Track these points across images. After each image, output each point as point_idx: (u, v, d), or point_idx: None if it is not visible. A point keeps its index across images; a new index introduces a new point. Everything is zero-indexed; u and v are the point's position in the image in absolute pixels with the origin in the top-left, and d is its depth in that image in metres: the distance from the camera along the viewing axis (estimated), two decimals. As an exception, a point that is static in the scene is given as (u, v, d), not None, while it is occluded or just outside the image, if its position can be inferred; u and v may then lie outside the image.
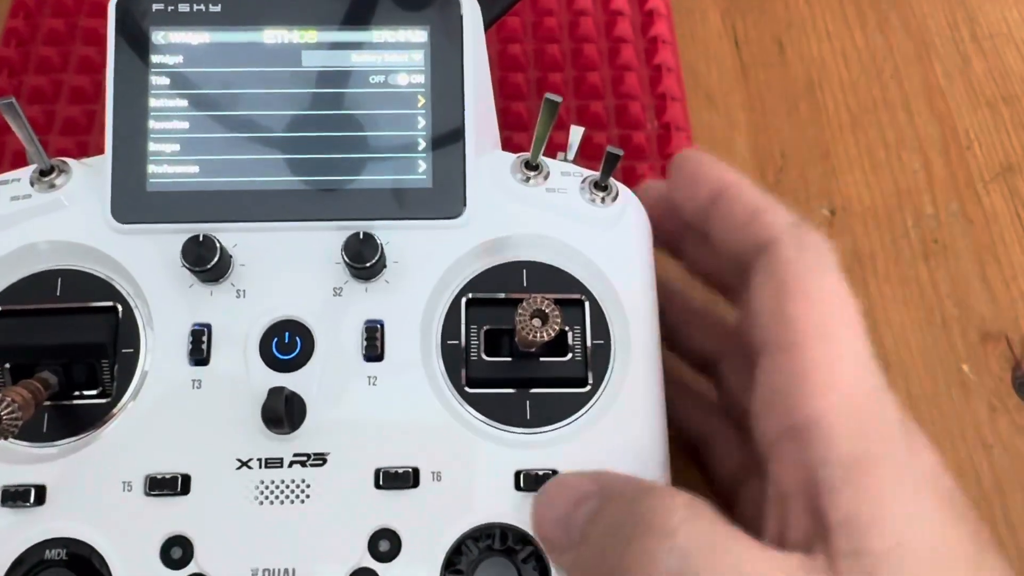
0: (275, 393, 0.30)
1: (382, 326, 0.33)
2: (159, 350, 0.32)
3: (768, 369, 0.29)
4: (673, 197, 0.35)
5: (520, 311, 0.30)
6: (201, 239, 0.32)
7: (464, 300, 0.34)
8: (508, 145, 0.37)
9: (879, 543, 0.25)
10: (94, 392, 0.32)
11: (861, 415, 0.27)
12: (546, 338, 0.30)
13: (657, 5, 0.53)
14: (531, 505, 0.31)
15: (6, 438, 0.29)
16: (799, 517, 0.27)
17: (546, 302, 0.30)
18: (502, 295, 0.34)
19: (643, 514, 0.26)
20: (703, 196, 0.34)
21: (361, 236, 0.32)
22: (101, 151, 0.34)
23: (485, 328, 0.34)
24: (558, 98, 0.32)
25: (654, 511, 0.26)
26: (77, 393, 0.33)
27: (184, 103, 0.34)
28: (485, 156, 0.35)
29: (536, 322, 0.30)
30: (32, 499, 0.30)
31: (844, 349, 0.28)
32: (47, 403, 0.32)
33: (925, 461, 0.27)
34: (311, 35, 0.35)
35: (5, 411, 0.28)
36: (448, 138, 0.34)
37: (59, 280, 0.33)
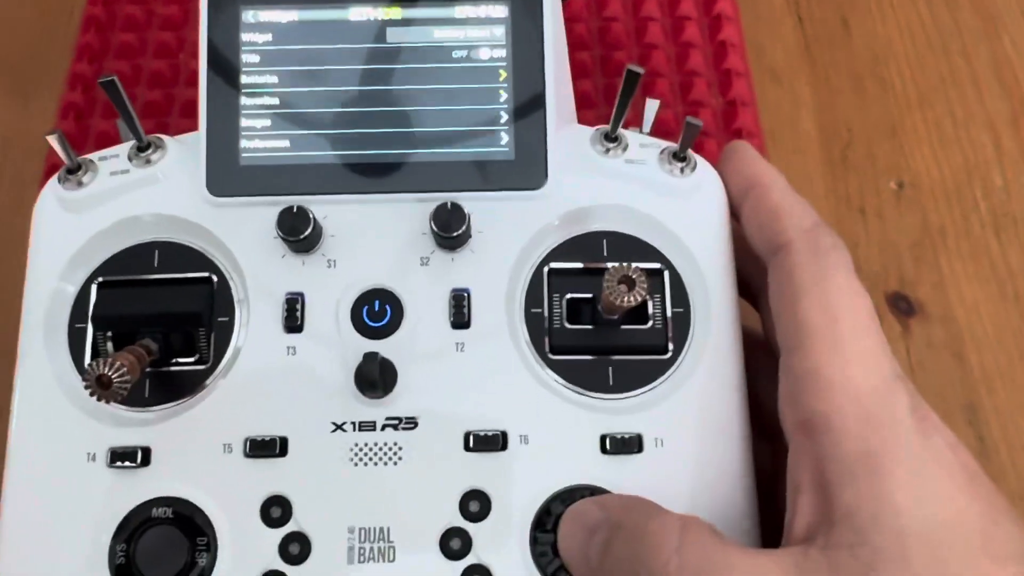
0: (370, 358, 0.31)
1: (469, 294, 0.34)
2: (254, 318, 0.34)
3: (784, 368, 0.31)
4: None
5: (608, 276, 0.31)
6: (295, 210, 0.33)
7: (546, 269, 0.35)
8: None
9: (879, 537, 0.26)
10: (192, 359, 0.34)
11: (868, 411, 0.28)
12: (633, 303, 0.31)
13: (721, -18, 0.53)
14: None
15: (117, 400, 0.30)
16: (807, 509, 0.28)
17: (633, 268, 0.31)
18: (583, 265, 0.35)
19: (645, 541, 0.28)
20: (736, 190, 0.35)
21: (449, 207, 0.33)
22: (181, 132, 0.36)
23: (567, 296, 0.34)
24: (640, 69, 0.32)
25: (654, 536, 0.28)
26: (175, 360, 0.34)
27: (274, 79, 0.35)
28: (564, 129, 0.36)
29: (623, 287, 0.31)
30: (139, 460, 0.32)
31: (851, 347, 0.30)
32: (148, 369, 0.33)
33: (936, 443, 0.28)
34: (395, 12, 0.35)
35: (116, 374, 0.30)
36: (529, 111, 0.35)
37: (156, 252, 0.35)
